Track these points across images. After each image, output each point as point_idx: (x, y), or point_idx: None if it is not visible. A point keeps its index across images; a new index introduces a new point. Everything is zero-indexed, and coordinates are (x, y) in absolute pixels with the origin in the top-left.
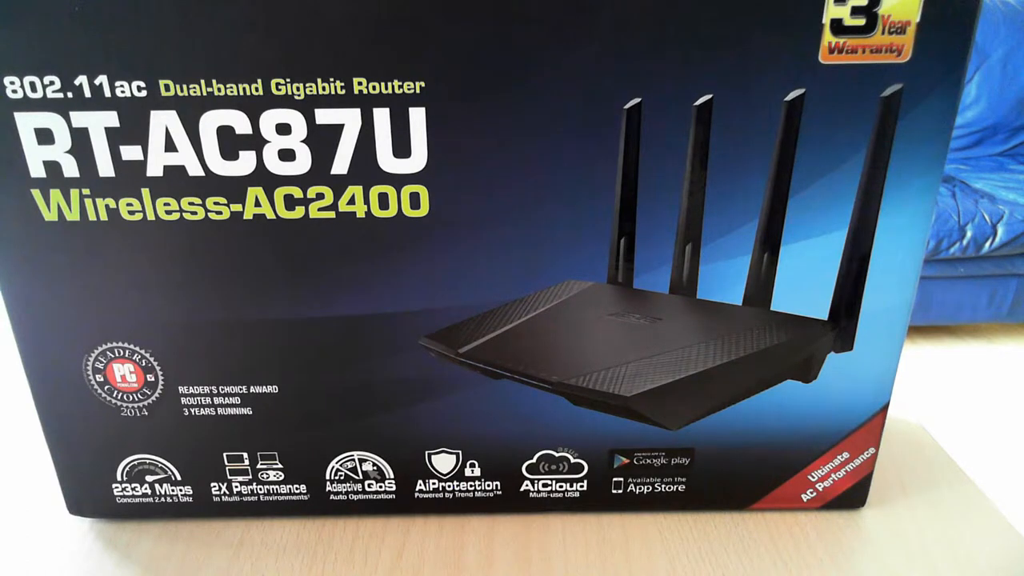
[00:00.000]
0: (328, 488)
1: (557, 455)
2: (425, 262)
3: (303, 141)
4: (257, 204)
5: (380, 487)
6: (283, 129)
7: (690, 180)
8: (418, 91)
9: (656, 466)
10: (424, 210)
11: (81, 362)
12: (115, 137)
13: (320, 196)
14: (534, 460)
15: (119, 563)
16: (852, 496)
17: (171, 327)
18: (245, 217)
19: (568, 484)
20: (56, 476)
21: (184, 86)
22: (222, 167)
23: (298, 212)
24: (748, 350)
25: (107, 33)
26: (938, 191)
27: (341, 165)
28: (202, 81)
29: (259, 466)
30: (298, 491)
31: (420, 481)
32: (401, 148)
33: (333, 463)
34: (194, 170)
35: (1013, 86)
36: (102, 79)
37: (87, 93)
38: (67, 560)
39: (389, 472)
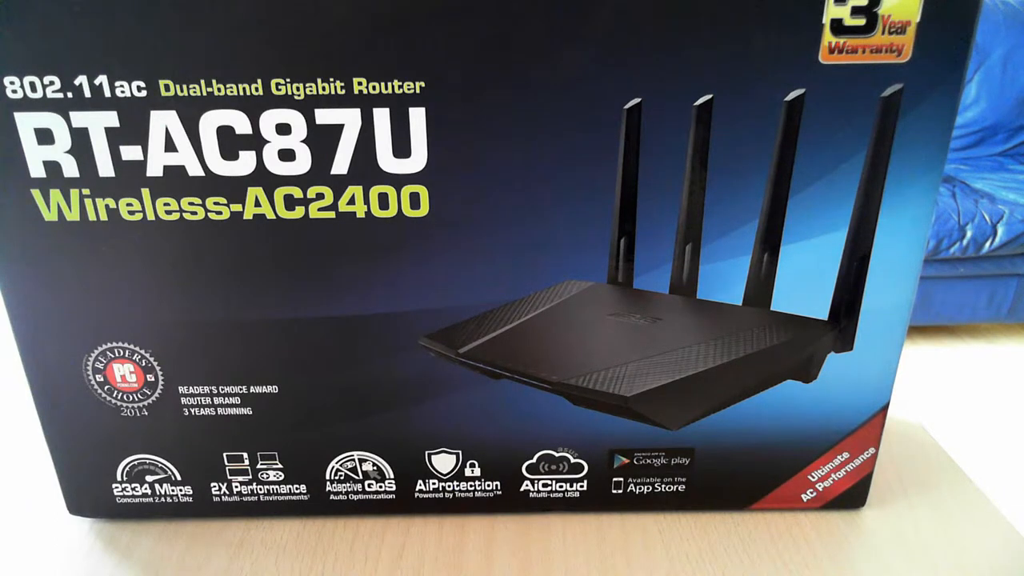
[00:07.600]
0: (328, 488)
1: (557, 455)
2: (425, 262)
3: (303, 141)
4: (257, 204)
5: (380, 487)
6: (283, 129)
7: (690, 180)
8: (418, 91)
9: (656, 466)
10: (424, 210)
11: (81, 362)
12: (115, 137)
13: (320, 196)
14: (534, 460)
15: (119, 563)
16: (852, 496)
17: (171, 327)
18: (245, 217)
19: (568, 484)
20: (56, 476)
21: (184, 86)
22: (222, 167)
23: (298, 212)
24: (748, 350)
25: (107, 33)
26: (938, 191)
27: (341, 165)
28: (202, 81)
29: (259, 466)
30: (298, 491)
31: (420, 481)
32: (401, 148)
33: (333, 463)
34: (194, 170)
35: (1013, 86)
36: (102, 79)
37: (87, 93)
38: (67, 560)
39: (389, 472)
